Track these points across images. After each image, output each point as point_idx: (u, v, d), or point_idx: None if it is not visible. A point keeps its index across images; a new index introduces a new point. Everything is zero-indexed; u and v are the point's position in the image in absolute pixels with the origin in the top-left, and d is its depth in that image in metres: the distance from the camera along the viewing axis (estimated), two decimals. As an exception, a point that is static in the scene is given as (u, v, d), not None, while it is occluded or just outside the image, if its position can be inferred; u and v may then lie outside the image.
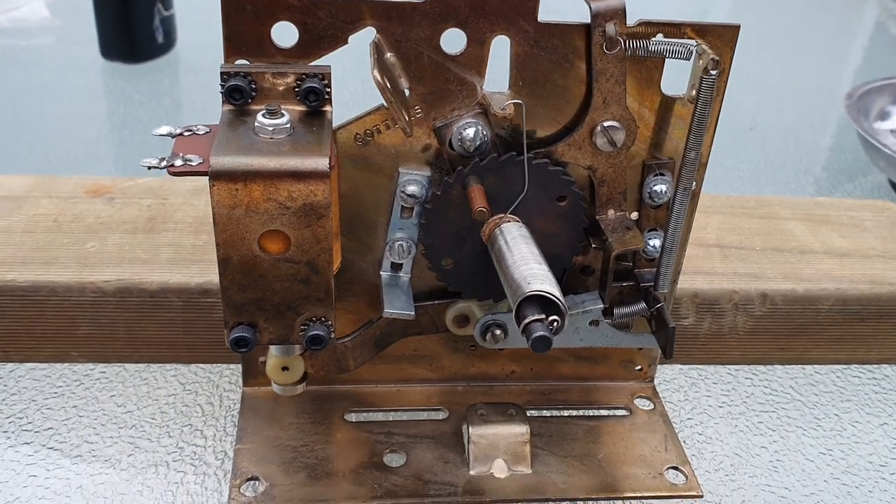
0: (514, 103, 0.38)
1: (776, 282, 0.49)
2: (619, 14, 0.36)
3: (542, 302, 0.34)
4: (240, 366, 0.46)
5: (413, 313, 0.40)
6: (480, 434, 0.42)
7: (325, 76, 0.36)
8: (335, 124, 0.38)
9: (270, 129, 0.34)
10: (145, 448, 0.43)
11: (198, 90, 0.81)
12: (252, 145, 0.34)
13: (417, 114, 0.38)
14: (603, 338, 0.43)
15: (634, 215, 0.42)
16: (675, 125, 0.40)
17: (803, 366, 0.51)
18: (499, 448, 0.42)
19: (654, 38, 0.37)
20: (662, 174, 0.41)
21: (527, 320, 0.34)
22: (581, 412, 0.46)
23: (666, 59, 0.38)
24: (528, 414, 0.45)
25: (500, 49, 0.38)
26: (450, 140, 0.39)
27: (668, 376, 0.50)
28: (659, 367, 0.48)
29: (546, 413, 0.46)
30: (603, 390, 0.48)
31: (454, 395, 0.46)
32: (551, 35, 0.37)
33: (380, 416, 0.45)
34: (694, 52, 0.37)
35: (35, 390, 0.46)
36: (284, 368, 0.41)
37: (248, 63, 0.37)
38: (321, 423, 0.44)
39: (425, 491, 0.41)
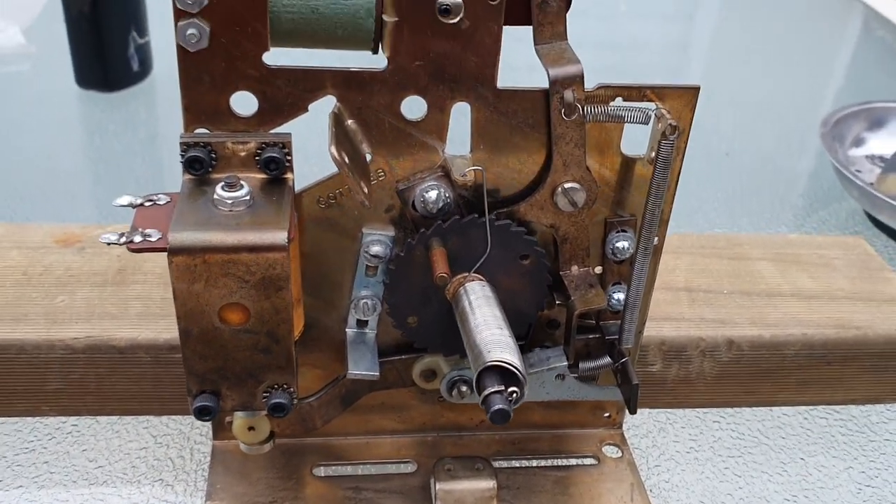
0: (474, 170, 0.38)
1: (743, 327, 0.49)
2: (577, 81, 0.37)
3: (501, 372, 0.34)
4: (210, 418, 0.46)
5: (377, 374, 0.41)
6: (447, 490, 0.42)
7: (285, 144, 0.36)
8: (299, 186, 0.38)
9: (230, 201, 0.35)
10: (115, 505, 0.44)
11: (174, 119, 0.80)
12: (210, 219, 0.34)
13: (380, 177, 0.39)
14: (569, 391, 0.43)
15: (599, 269, 0.42)
16: (637, 184, 0.40)
17: (770, 408, 0.52)
18: (466, 503, 0.43)
19: (612, 103, 0.38)
20: (625, 230, 0.42)
21: (486, 392, 0.34)
22: (550, 461, 0.47)
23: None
24: (497, 465, 0.45)
25: (463, 110, 0.38)
26: (413, 202, 0.39)
27: (637, 421, 0.50)
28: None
29: (515, 464, 0.46)
30: (572, 438, 0.48)
31: (424, 447, 0.47)
32: (510, 101, 0.37)
33: (349, 470, 0.45)
34: (653, 117, 0.38)
35: (6, 446, 0.46)
36: (251, 428, 0.41)
37: (207, 132, 0.37)
38: (290, 478, 0.44)
39: (393, 547, 0.41)
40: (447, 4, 0.35)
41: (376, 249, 0.40)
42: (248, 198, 0.35)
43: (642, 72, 0.98)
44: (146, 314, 0.46)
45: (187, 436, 0.48)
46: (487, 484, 0.43)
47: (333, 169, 0.38)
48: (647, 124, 0.38)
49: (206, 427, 0.48)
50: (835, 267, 0.55)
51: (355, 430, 0.46)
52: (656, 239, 0.40)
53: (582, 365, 0.42)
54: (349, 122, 0.37)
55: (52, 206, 0.68)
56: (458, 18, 0.35)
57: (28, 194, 0.69)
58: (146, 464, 0.46)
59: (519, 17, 0.37)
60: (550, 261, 0.41)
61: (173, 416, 0.48)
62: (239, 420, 0.41)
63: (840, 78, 1.04)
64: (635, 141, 0.40)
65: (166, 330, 0.45)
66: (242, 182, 0.35)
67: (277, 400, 0.37)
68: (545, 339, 0.44)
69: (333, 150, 0.35)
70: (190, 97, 0.36)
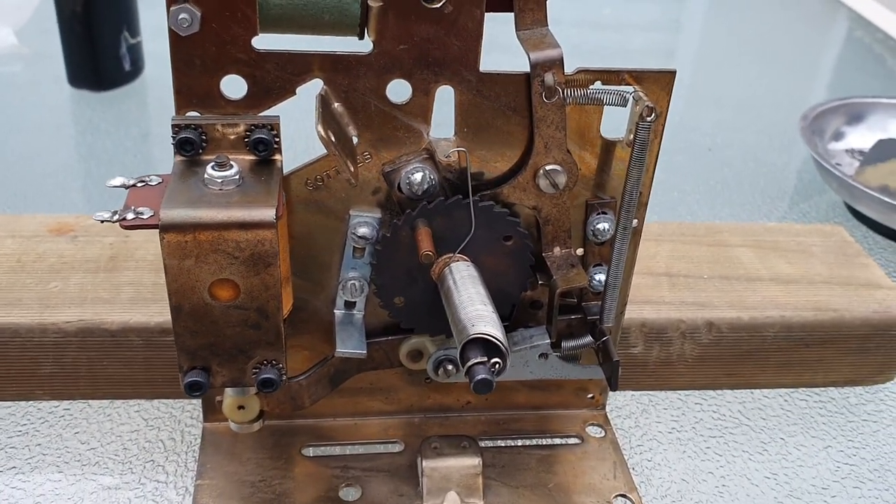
0: (457, 151, 0.39)
1: (722, 310, 0.50)
2: (558, 64, 0.38)
3: (485, 344, 0.35)
4: (200, 401, 0.47)
5: (365, 352, 0.42)
6: (433, 467, 0.43)
7: (273, 126, 0.37)
8: (287, 168, 0.39)
9: (220, 181, 0.36)
10: (108, 485, 0.44)
11: (165, 118, 0.81)
12: (201, 197, 0.35)
13: (367, 159, 0.40)
14: (552, 370, 0.44)
15: (580, 251, 0.44)
16: (616, 166, 0.42)
17: (751, 390, 0.53)
18: (452, 480, 0.43)
19: (592, 86, 0.39)
20: (605, 213, 0.43)
21: (470, 363, 0.35)
22: (534, 441, 0.48)
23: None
24: (483, 444, 0.46)
25: (447, 95, 0.39)
26: (398, 184, 0.40)
27: (620, 402, 0.51)
28: (611, 394, 0.50)
29: (500, 443, 0.47)
30: (556, 418, 0.49)
31: (411, 427, 0.48)
32: (493, 84, 0.38)
33: (337, 450, 0.46)
34: (630, 99, 0.39)
35: (0, 430, 0.47)
36: (240, 407, 0.42)
37: (198, 115, 0.38)
38: (279, 457, 0.45)
39: (380, 523, 0.42)
40: (431, -11, 0.36)
41: (363, 231, 0.41)
42: (237, 177, 0.36)
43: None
44: (138, 299, 0.47)
45: (178, 419, 0.48)
46: (473, 461, 0.44)
47: (321, 152, 0.39)
48: (626, 106, 0.39)
49: (197, 410, 0.49)
50: (813, 253, 0.56)
51: (344, 412, 0.47)
52: (635, 221, 0.41)
53: (565, 344, 0.43)
54: (336, 105, 0.38)
55: (45, 201, 0.69)
56: (441, 3, 0.36)
57: (21, 191, 0.70)
58: (137, 445, 0.47)
59: (501, 3, 0.38)
60: (533, 242, 0.42)
61: (164, 400, 0.49)
62: (229, 399, 0.41)
63: (821, 77, 1.06)
64: (616, 128, 0.41)
65: (158, 314, 0.46)
66: (232, 162, 0.36)
67: (266, 375, 0.38)
68: (529, 320, 0.45)
69: (320, 128, 0.36)
70: (181, 80, 0.37)
